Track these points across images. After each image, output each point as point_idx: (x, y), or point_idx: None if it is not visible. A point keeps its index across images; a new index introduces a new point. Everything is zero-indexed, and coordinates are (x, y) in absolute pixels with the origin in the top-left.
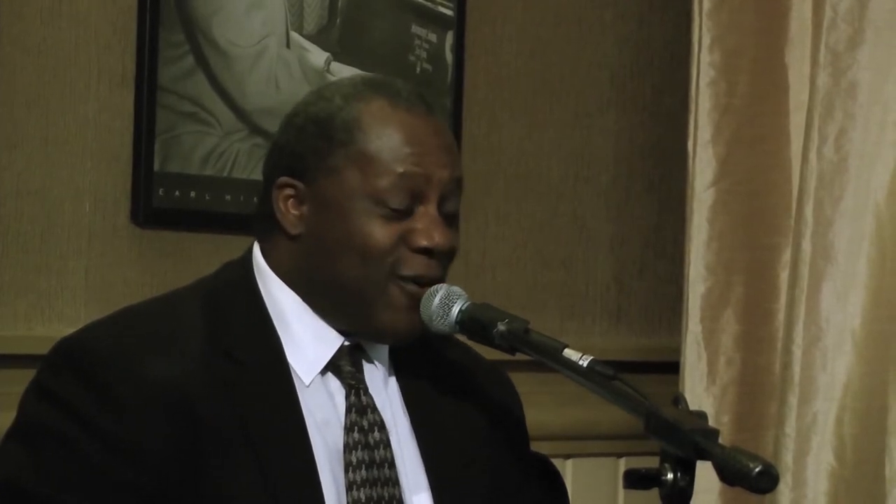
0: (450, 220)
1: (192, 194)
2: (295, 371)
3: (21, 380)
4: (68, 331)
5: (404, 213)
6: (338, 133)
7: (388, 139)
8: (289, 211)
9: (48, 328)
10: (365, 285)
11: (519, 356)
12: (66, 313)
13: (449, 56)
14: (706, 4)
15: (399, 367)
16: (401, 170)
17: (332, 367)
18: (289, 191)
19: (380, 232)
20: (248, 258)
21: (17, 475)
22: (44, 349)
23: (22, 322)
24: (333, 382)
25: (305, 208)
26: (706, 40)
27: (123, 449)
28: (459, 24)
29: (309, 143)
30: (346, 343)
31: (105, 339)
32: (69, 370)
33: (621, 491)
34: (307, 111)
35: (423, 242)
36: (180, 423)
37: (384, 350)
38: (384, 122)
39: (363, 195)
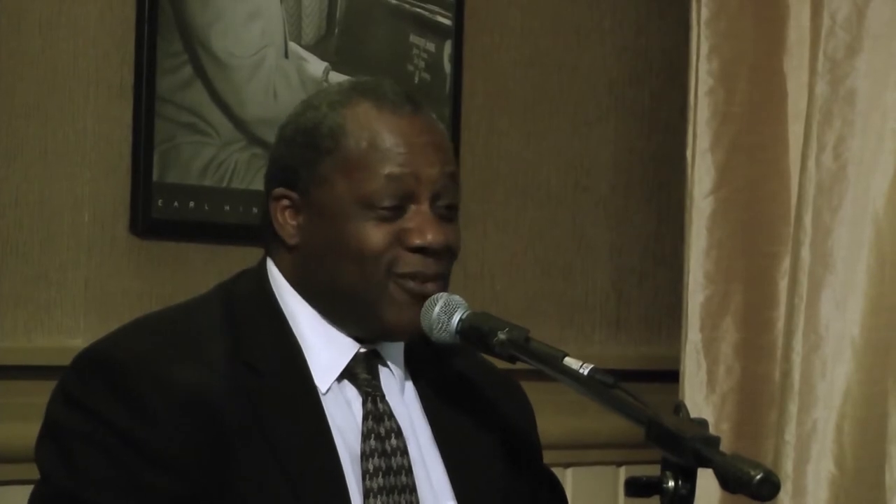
0: (446, 216)
1: (191, 205)
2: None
3: (21, 390)
4: (68, 341)
5: (396, 214)
6: (324, 141)
7: (372, 142)
8: (287, 222)
9: (47, 339)
10: (365, 288)
11: (519, 365)
12: (65, 324)
13: (447, 65)
14: (704, 13)
15: (416, 375)
16: (387, 171)
17: (348, 374)
18: (285, 202)
19: (373, 234)
20: (262, 268)
21: (55, 478)
22: (43, 360)
23: (21, 333)
24: (350, 390)
25: (302, 218)
26: (704, 49)
27: (155, 457)
28: (457, 34)
29: (298, 154)
30: (362, 350)
31: (130, 346)
32: (97, 379)
33: (621, 499)
34: (296, 121)
35: (416, 241)
36: (208, 430)
37: (400, 356)
38: (368, 125)
39: (353, 201)
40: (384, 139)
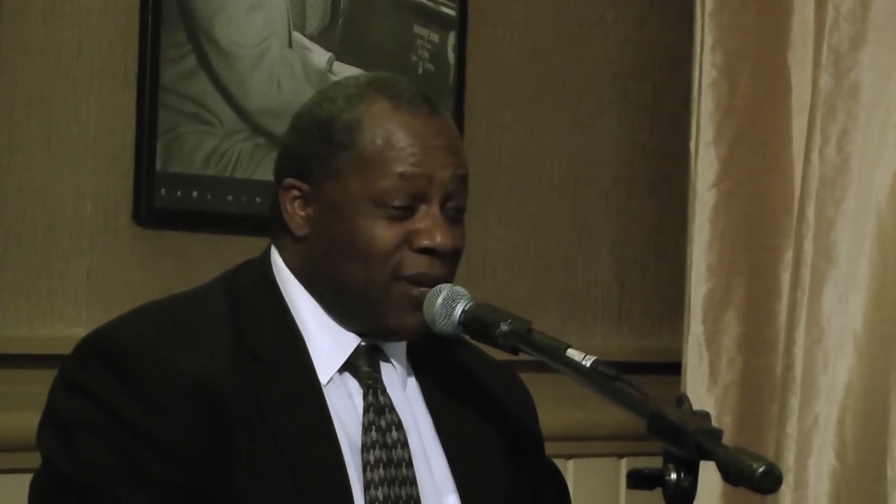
0: (454, 218)
1: (194, 194)
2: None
3: (23, 379)
4: (70, 331)
5: (406, 214)
6: (339, 135)
7: (388, 141)
8: (295, 212)
9: (50, 328)
10: (369, 287)
11: (521, 356)
12: (67, 313)
13: (451, 56)
14: (708, 5)
15: (418, 369)
16: (400, 170)
17: (350, 367)
18: (294, 192)
19: (382, 234)
20: (266, 258)
21: (57, 465)
22: (45, 349)
23: (24, 322)
24: (351, 382)
25: (311, 210)
26: (708, 41)
27: (157, 445)
28: (461, 25)
29: (312, 146)
30: (363, 344)
31: (134, 332)
32: (99, 364)
33: (623, 491)
34: (311, 112)
35: (425, 242)
36: (210, 418)
37: (402, 351)
38: (385, 123)
39: (365, 198)
40: (399, 138)
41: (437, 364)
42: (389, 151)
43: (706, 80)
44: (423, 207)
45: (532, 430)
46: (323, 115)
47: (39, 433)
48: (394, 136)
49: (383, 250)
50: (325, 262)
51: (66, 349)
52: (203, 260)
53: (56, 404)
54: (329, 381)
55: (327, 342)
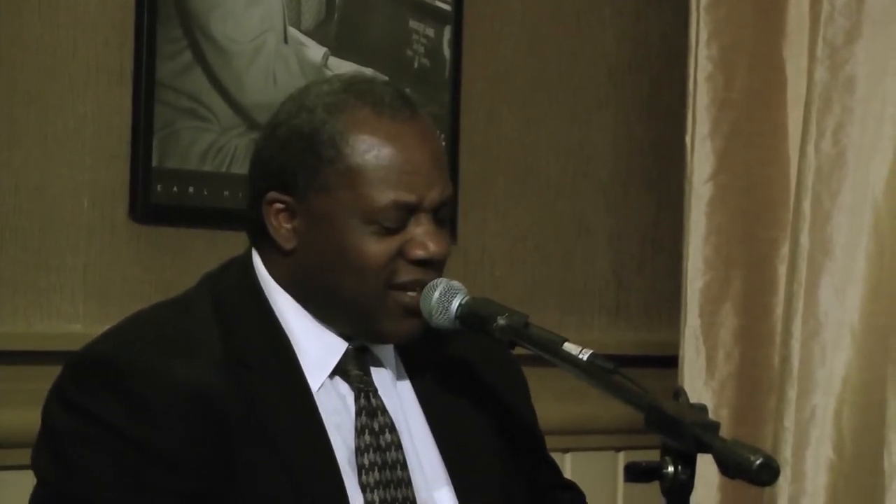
0: (441, 221)
1: (191, 190)
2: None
3: (20, 376)
4: (67, 327)
5: (398, 228)
6: (325, 149)
7: (376, 155)
8: (281, 225)
9: (47, 325)
10: (363, 298)
11: (519, 350)
12: (64, 310)
13: (446, 51)
14: None
15: (408, 364)
16: (393, 196)
17: (340, 370)
18: (279, 205)
19: (375, 248)
20: (248, 261)
21: (58, 483)
22: (43, 345)
23: (21, 318)
24: (342, 386)
25: (297, 222)
26: (704, 35)
27: (158, 455)
28: (457, 19)
29: (296, 159)
30: (351, 346)
31: (126, 346)
32: (95, 382)
33: (621, 485)
34: (290, 123)
35: (420, 254)
36: (208, 424)
37: (390, 349)
38: (370, 134)
39: (356, 213)
40: (387, 153)
41: (428, 357)
42: (379, 170)
43: (702, 74)
44: (414, 219)
45: (524, 414)
46: (304, 126)
47: (36, 454)
48: (382, 151)
49: (377, 265)
50: (316, 275)
51: (64, 345)
52: (200, 255)
53: (52, 424)
54: (320, 387)
55: (316, 347)
